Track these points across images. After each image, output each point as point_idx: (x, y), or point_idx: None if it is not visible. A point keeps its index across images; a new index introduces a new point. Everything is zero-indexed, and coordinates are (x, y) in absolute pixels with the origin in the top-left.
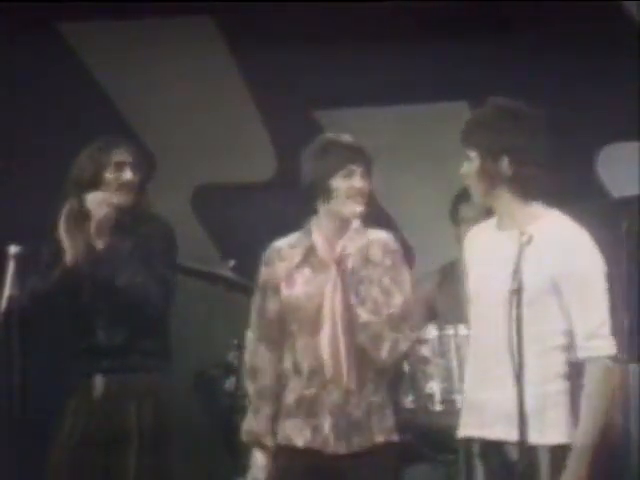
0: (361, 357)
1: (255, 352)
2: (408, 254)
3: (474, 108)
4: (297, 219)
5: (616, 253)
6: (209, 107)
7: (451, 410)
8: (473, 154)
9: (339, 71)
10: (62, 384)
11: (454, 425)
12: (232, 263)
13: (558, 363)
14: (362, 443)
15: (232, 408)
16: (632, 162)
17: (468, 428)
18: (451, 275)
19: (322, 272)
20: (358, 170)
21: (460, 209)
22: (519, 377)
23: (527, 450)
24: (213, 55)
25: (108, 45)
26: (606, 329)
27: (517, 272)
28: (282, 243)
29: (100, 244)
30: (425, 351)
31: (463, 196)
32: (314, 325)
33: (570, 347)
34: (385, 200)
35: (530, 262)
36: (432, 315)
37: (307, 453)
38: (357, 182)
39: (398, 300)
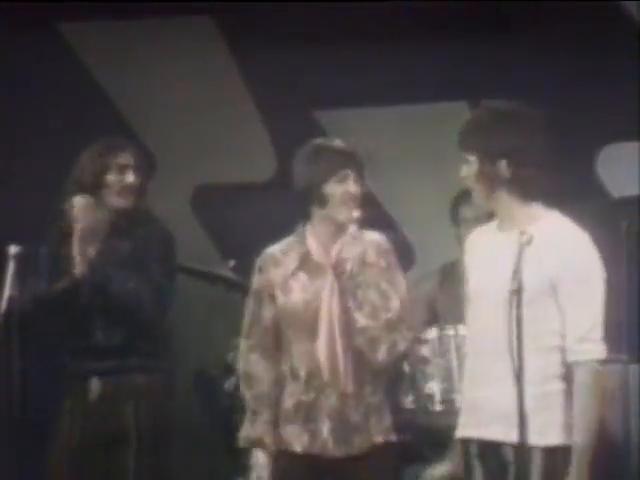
0: (358, 360)
1: (249, 360)
2: (408, 252)
3: (474, 108)
4: (297, 219)
5: (616, 253)
6: (209, 107)
7: (451, 410)
8: (471, 157)
9: (339, 71)
10: (62, 384)
11: (454, 425)
12: (232, 263)
13: (555, 364)
14: (361, 445)
15: (232, 408)
16: (632, 162)
17: (466, 428)
18: (451, 275)
19: (318, 277)
20: (351, 175)
21: (460, 209)
22: (519, 377)
23: (523, 451)
24: (213, 55)
25: (108, 45)
26: (597, 333)
27: (517, 272)
28: (275, 249)
29: (91, 250)
30: (425, 351)
31: (463, 196)
32: (311, 330)
33: (564, 349)
34: (385, 200)
35: (530, 262)
36: (433, 315)
37: (307, 457)
38: (351, 187)
39: (395, 303)
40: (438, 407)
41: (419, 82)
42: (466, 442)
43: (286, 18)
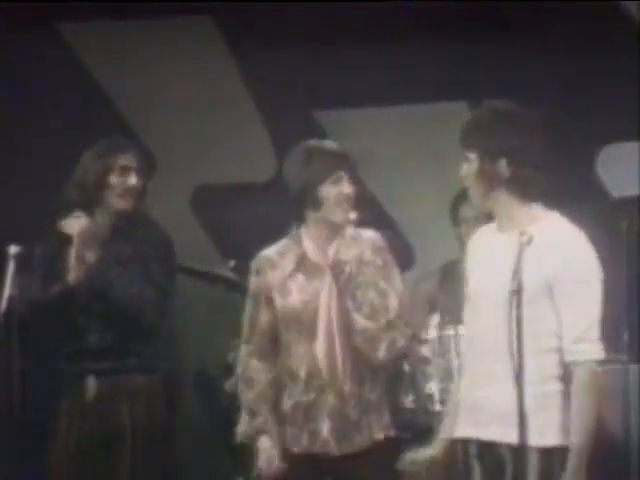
0: (357, 359)
1: (249, 365)
2: (408, 252)
3: (474, 108)
4: (292, 222)
5: (616, 253)
6: (209, 107)
7: None
8: (472, 156)
9: (339, 71)
10: (61, 385)
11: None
12: (232, 263)
13: (553, 364)
14: (362, 442)
15: (232, 408)
16: (632, 162)
17: (465, 428)
18: (452, 275)
19: (316, 278)
20: (345, 176)
21: (460, 209)
22: (519, 378)
23: (520, 451)
24: (213, 55)
25: (108, 45)
26: (594, 333)
27: (517, 272)
28: (271, 251)
29: (90, 255)
30: (425, 351)
31: (463, 196)
32: (310, 331)
33: (562, 349)
34: (385, 200)
35: (529, 263)
36: (433, 315)
37: (307, 457)
38: (345, 188)
39: (393, 301)
40: (438, 407)
41: (419, 82)
42: (465, 442)
43: (286, 18)
